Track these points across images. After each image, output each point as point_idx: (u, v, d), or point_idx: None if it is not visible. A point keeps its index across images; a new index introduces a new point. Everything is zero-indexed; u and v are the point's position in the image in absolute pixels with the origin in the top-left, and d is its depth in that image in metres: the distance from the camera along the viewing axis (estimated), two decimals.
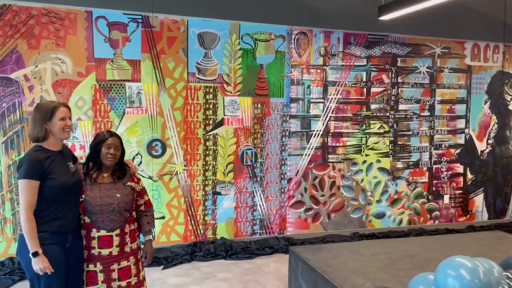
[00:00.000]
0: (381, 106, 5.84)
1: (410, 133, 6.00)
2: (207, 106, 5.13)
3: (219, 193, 5.24)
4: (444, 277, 2.07)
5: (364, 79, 5.74)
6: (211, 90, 5.13)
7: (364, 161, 5.80)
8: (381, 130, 5.86)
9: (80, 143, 4.63)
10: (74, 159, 2.63)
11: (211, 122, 5.15)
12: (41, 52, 4.49)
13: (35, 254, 2.27)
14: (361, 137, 5.77)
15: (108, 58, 4.71)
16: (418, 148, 6.04)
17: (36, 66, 4.48)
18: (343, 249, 3.82)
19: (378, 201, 5.91)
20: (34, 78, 4.49)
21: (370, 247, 3.88)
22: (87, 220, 2.50)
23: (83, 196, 2.49)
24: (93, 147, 2.57)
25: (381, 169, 5.88)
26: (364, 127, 5.78)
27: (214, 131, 5.18)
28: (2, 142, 4.43)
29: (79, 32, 4.59)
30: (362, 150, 5.78)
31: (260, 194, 5.39)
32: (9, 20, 4.38)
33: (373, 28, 5.66)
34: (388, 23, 5.44)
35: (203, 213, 5.18)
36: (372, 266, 3.36)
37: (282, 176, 5.47)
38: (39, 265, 2.28)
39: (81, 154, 4.54)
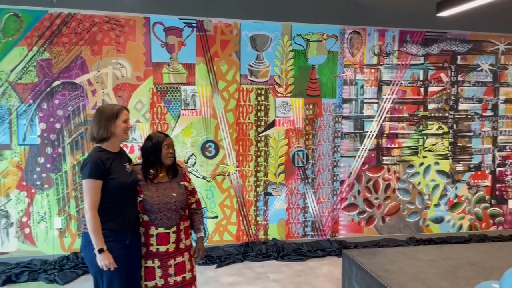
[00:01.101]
0: (440, 106, 5.60)
1: (471, 134, 5.70)
2: (259, 107, 5.17)
3: (271, 194, 5.26)
4: (510, 286, 1.95)
5: (421, 78, 5.54)
6: (263, 92, 5.16)
7: (421, 163, 5.59)
8: (440, 131, 5.61)
9: (138, 144, 4.84)
10: (129, 160, 2.74)
11: (262, 123, 5.19)
12: (103, 58, 4.74)
13: (101, 250, 2.39)
14: (418, 138, 5.56)
15: (165, 62, 4.88)
16: (480, 150, 5.73)
17: (99, 71, 4.74)
18: (399, 253, 3.71)
19: (436, 205, 5.66)
20: (97, 82, 4.74)
21: (428, 253, 3.73)
22: (145, 218, 2.60)
23: (141, 196, 2.59)
24: (152, 148, 2.65)
25: (440, 172, 5.63)
26: (421, 128, 5.57)
27: (266, 132, 5.21)
28: (68, 143, 4.72)
29: (138, 37, 4.80)
30: (419, 152, 5.57)
31: (311, 196, 5.35)
32: (74, 28, 4.66)
33: (430, 25, 5.44)
34: (447, 20, 5.22)
35: (255, 213, 5.22)
36: (430, 273, 3.23)
37: (334, 178, 5.40)
38: (104, 261, 2.39)
39: (140, 155, 4.73)
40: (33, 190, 4.66)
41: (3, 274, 4.25)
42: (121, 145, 2.74)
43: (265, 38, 5.13)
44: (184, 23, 4.91)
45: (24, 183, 4.63)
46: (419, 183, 5.60)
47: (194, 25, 4.93)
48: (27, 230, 4.66)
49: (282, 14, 5.11)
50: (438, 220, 5.68)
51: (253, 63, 5.12)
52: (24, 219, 4.65)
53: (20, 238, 4.65)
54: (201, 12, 4.87)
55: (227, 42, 5.03)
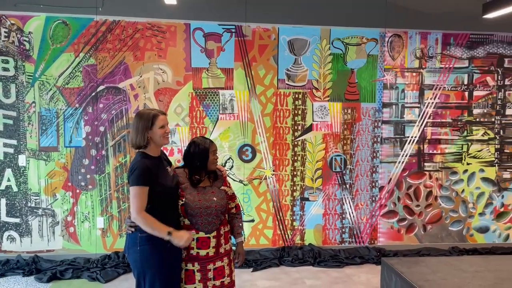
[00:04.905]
0: (485, 111, 5.38)
1: None
2: (296, 112, 5.15)
3: (307, 199, 5.22)
4: None
5: (466, 82, 5.34)
6: (300, 96, 5.14)
7: (465, 170, 5.38)
8: (485, 137, 5.39)
9: (178, 147, 4.94)
10: (169, 163, 2.79)
11: (299, 127, 5.17)
12: (145, 63, 4.87)
13: (169, 233, 2.42)
14: (462, 144, 5.37)
15: (204, 67, 4.97)
16: None
17: (141, 76, 4.88)
18: (441, 263, 3.58)
19: (481, 214, 5.43)
20: (139, 87, 4.89)
21: (473, 264, 3.58)
22: (187, 222, 2.64)
23: (183, 200, 2.63)
24: (200, 154, 2.66)
25: (485, 179, 5.41)
26: (465, 133, 5.37)
27: (303, 137, 5.18)
28: (111, 145, 4.88)
29: (179, 43, 4.90)
30: (463, 159, 5.37)
31: (349, 202, 5.27)
32: (118, 35, 4.82)
33: (476, 27, 5.25)
34: (494, 21, 5.03)
35: (291, 218, 5.20)
36: (475, 285, 3.09)
37: (373, 184, 5.29)
38: (179, 241, 2.43)
39: (179, 157, 4.84)
40: (77, 191, 4.85)
41: (49, 271, 4.43)
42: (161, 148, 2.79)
43: (303, 42, 5.11)
44: (223, 28, 4.97)
45: (70, 184, 4.83)
46: (463, 190, 5.40)
47: (233, 30, 4.98)
48: (71, 229, 4.85)
49: (321, 18, 5.08)
50: (483, 230, 5.45)
51: (290, 68, 5.11)
52: (69, 218, 4.84)
53: (65, 236, 4.85)
54: (240, 18, 4.92)
55: (265, 47, 5.05)
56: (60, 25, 4.73)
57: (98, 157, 4.86)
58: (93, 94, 4.82)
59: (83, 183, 4.85)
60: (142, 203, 2.45)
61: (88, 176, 4.85)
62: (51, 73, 4.75)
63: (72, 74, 4.77)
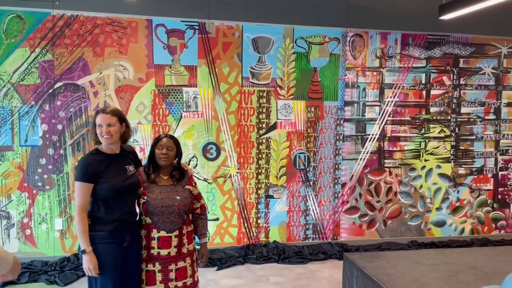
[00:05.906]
0: (442, 109, 5.59)
1: (474, 137, 5.68)
2: (261, 110, 5.16)
3: (272, 197, 5.25)
4: None
5: (423, 81, 5.53)
6: (265, 94, 5.16)
7: (423, 167, 5.57)
8: (442, 135, 5.60)
9: (140, 145, 4.84)
10: (137, 162, 2.73)
11: (264, 125, 5.18)
12: (105, 60, 4.74)
13: (84, 251, 2.38)
14: (420, 142, 5.55)
15: (167, 64, 4.88)
16: (482, 154, 5.71)
17: (101, 73, 4.74)
18: (400, 257, 3.69)
19: (438, 209, 5.65)
20: (99, 84, 4.75)
21: (430, 257, 3.72)
22: (148, 220, 2.59)
23: (145, 198, 2.58)
24: (150, 149, 2.71)
25: (442, 175, 5.62)
26: (423, 131, 5.56)
27: (267, 135, 5.20)
28: (70, 144, 4.72)
29: (140, 39, 4.80)
30: (421, 155, 5.56)
31: (313, 199, 5.34)
32: (77, 30, 4.66)
33: (433, 28, 5.44)
34: (449, 23, 5.22)
35: (256, 216, 5.21)
36: (432, 277, 3.21)
37: (336, 180, 5.39)
38: (87, 264, 2.38)
39: (141, 156, 4.73)
40: (34, 191, 4.66)
41: None
42: (132, 146, 2.77)
43: (267, 41, 5.12)
44: (186, 25, 4.91)
45: (26, 184, 4.63)
46: (421, 186, 5.59)
47: (196, 27, 4.93)
48: (28, 231, 4.66)
49: (284, 17, 5.11)
50: (440, 224, 5.67)
51: (255, 66, 5.12)
52: (25, 220, 4.65)
53: (21, 239, 4.65)
54: (203, 15, 4.87)
55: (229, 45, 5.03)
56: (14, 19, 4.52)
57: (56, 156, 4.69)
58: (50, 91, 4.64)
59: (40, 184, 4.66)
60: (82, 200, 2.43)
61: (46, 176, 4.67)
62: (5, 69, 4.53)
63: (27, 70, 4.58)
